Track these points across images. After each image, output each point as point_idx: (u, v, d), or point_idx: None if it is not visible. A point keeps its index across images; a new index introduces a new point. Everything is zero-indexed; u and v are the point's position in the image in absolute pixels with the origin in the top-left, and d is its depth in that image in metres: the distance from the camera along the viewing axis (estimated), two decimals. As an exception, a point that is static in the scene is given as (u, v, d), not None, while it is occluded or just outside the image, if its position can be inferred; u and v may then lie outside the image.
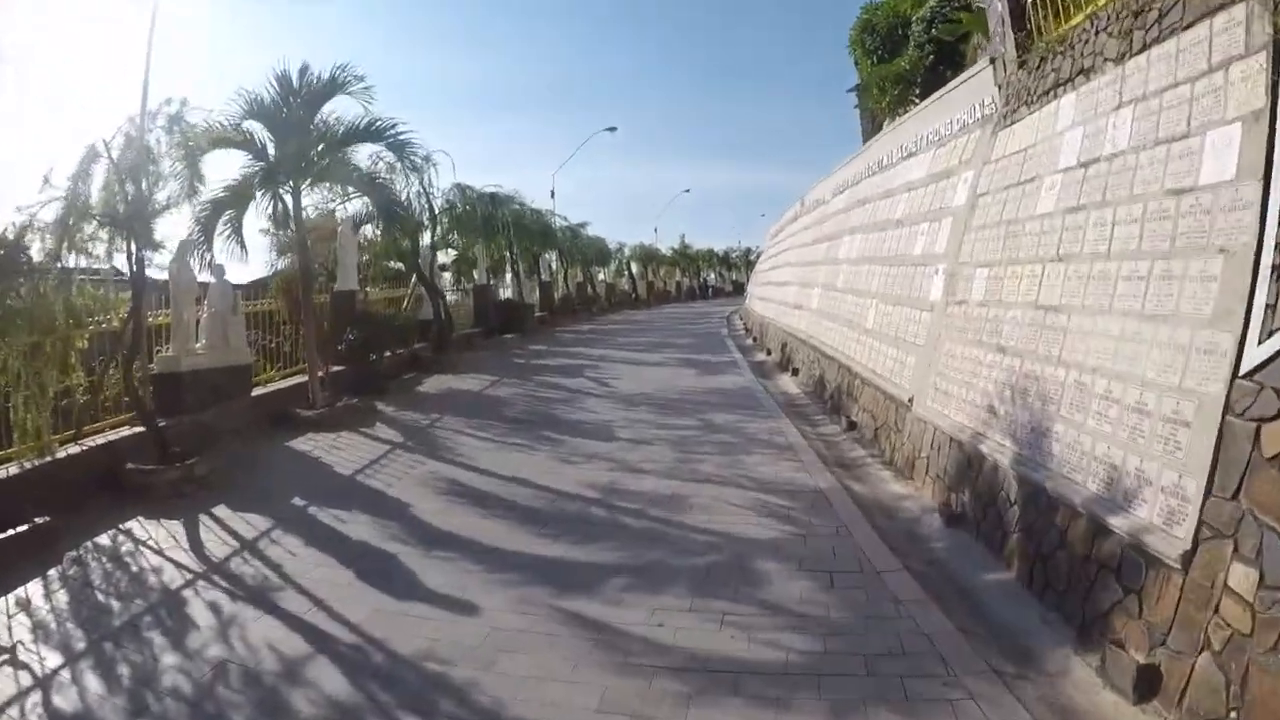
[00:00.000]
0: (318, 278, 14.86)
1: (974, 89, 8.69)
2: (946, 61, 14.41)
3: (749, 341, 23.14)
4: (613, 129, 39.79)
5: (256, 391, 11.24)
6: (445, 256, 24.55)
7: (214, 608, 5.12)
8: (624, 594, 5.04)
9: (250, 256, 12.92)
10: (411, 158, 11.62)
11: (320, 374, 11.85)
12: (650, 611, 4.73)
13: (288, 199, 11.20)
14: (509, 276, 27.40)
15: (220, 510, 7.12)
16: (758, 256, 50.74)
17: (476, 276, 24.37)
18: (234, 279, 14.32)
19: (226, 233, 11.33)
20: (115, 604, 5.28)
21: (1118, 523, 4.19)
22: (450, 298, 24.07)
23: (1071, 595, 4.56)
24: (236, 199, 11.19)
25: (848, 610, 4.73)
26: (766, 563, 5.45)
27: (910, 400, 7.87)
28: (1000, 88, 7.96)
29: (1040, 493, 5.09)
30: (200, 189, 8.66)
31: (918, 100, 13.33)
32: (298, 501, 7.42)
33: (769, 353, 18.90)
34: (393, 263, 19.15)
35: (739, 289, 64.65)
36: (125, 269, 8.52)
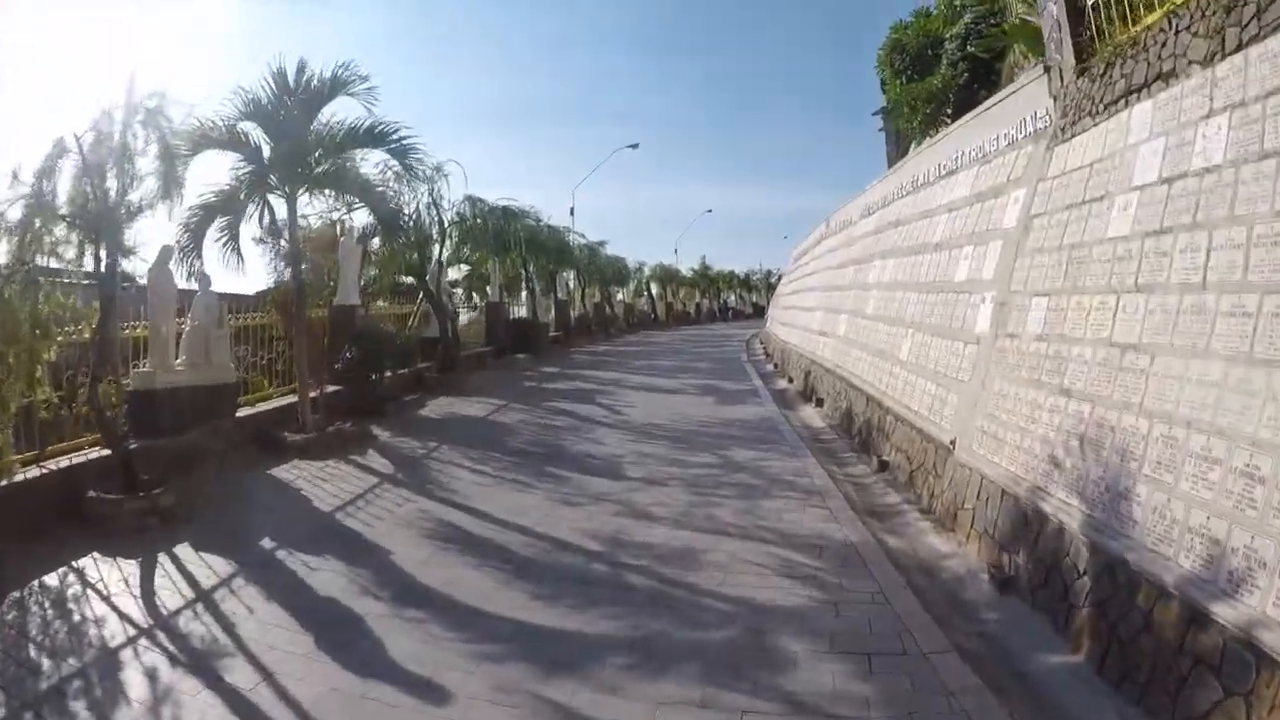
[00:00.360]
0: (320, 291, 14.26)
1: (1024, 101, 7.92)
2: (981, 80, 13.86)
3: (770, 368, 22.27)
4: (634, 145, 39.41)
5: (243, 412, 10.57)
6: (457, 273, 23.99)
7: (151, 675, 4.41)
8: (623, 678, 4.23)
9: (253, 266, 12.37)
10: (415, 165, 10.89)
11: (314, 394, 11.19)
12: (653, 706, 3.92)
13: (281, 206, 10.57)
14: (524, 294, 26.76)
15: (182, 549, 6.43)
16: (779, 279, 50.04)
17: (490, 293, 23.68)
18: (238, 289, 13.87)
19: (223, 239, 10.73)
20: (46, 662, 4.61)
21: (1221, 610, 3.43)
22: (465, 316, 23.49)
23: (1157, 690, 3.77)
24: (232, 204, 10.58)
25: (891, 708, 3.91)
26: (792, 640, 4.62)
27: (952, 443, 7.03)
28: (1056, 99, 7.19)
29: (1118, 565, 4.28)
30: (177, 191, 7.93)
31: (950, 120, 12.69)
32: (267, 543, 6.69)
33: (791, 380, 18.04)
34: (403, 277, 18.58)
35: (759, 311, 63.86)
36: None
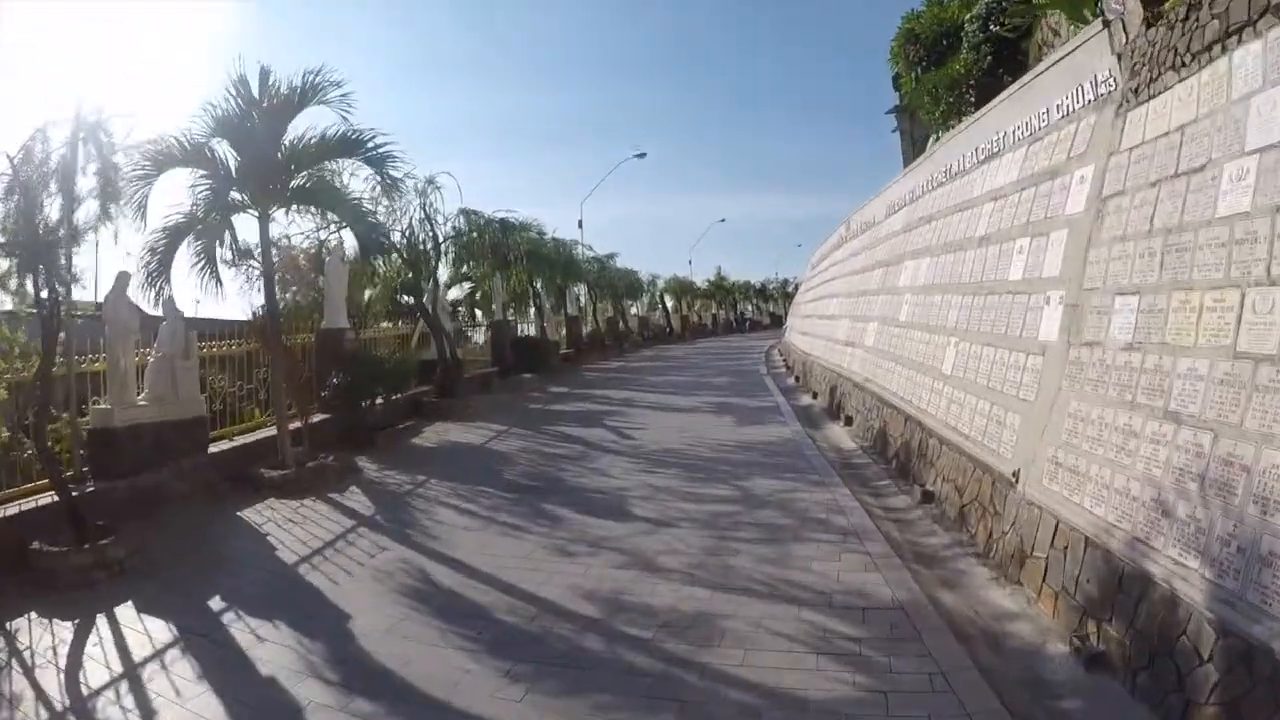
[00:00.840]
0: (312, 314, 13.48)
1: (1077, 65, 6.82)
2: (1005, 63, 12.87)
3: (791, 381, 21.08)
4: (642, 155, 38.66)
5: (219, 446, 9.67)
6: (460, 292, 23.16)
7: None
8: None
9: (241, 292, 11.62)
10: (394, 174, 9.90)
11: (298, 425, 10.26)
12: None
13: (253, 225, 9.69)
14: (533, 311, 25.81)
15: (124, 610, 5.62)
16: (795, 288, 49.01)
17: (494, 310, 22.71)
18: (234, 316, 13.14)
19: (199, 264, 9.87)
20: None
21: None
22: (481, 336, 22.66)
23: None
24: (205, 226, 9.72)
25: None
26: (835, 753, 3.56)
27: (1015, 475, 5.92)
28: (1120, 57, 6.09)
29: (1260, 654, 3.20)
30: (138, 213, 7.14)
31: (974, 108, 11.71)
32: (217, 603, 5.77)
33: (815, 395, 16.86)
34: (404, 297, 17.76)
35: (776, 321, 62.92)
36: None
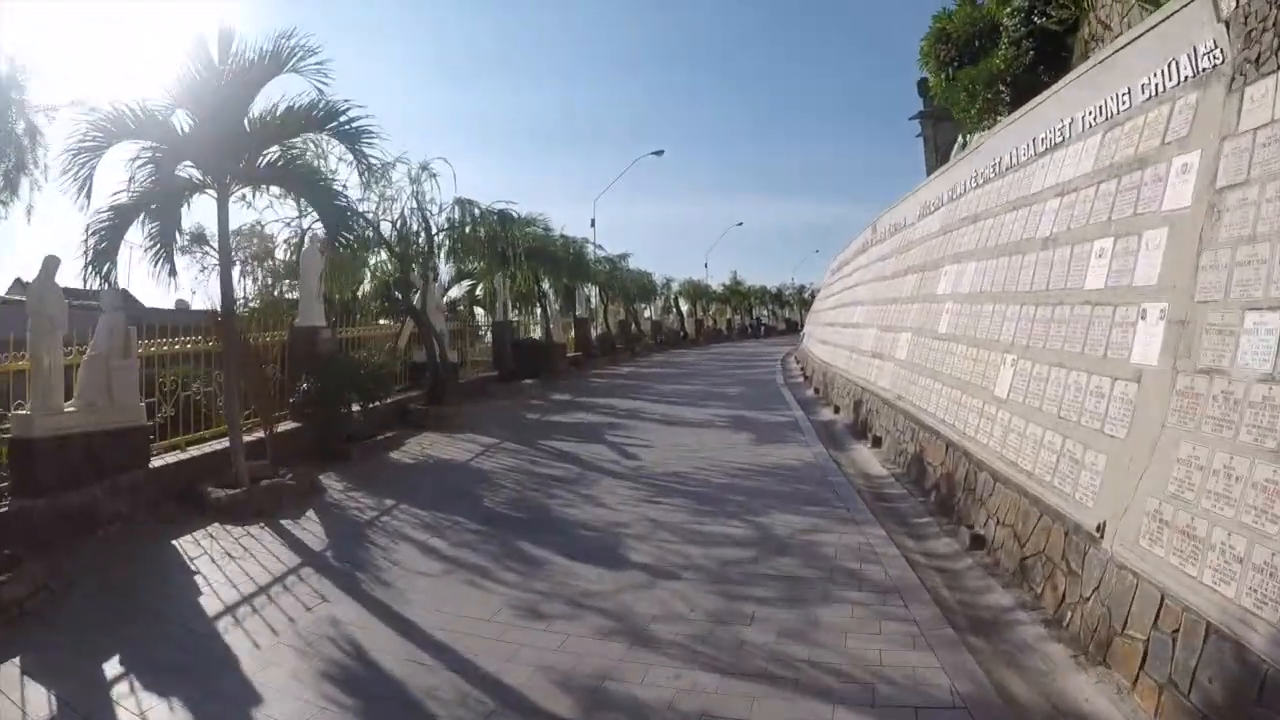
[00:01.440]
0: (290, 311, 12.46)
1: (1168, 38, 5.61)
2: (1048, 61, 11.84)
3: (809, 393, 19.79)
4: (659, 152, 37.66)
5: (167, 459, 8.61)
6: (459, 291, 22.10)
7: None
8: None
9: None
10: (365, 152, 8.67)
11: (253, 436, 9.19)
12: None
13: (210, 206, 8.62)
14: (540, 312, 24.71)
15: (7, 669, 4.61)
16: (813, 294, 47.97)
17: (496, 310, 21.56)
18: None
19: (155, 248, 8.82)
20: None
21: None
22: (489, 337, 21.72)
23: None
24: (161, 206, 8.66)
25: None
26: None
27: (1100, 529, 4.73)
28: (1229, 23, 4.90)
29: None
30: (24, 185, 6.09)
31: (1010, 108, 10.66)
32: (113, 667, 4.70)
33: (836, 410, 15.61)
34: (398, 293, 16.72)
35: (792, 327, 61.94)
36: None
